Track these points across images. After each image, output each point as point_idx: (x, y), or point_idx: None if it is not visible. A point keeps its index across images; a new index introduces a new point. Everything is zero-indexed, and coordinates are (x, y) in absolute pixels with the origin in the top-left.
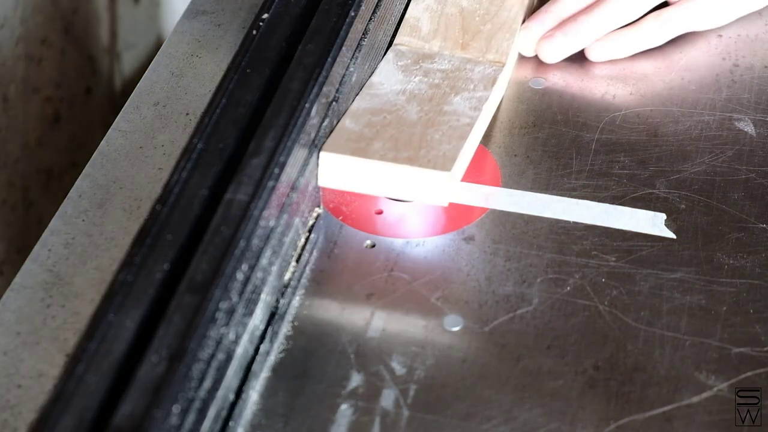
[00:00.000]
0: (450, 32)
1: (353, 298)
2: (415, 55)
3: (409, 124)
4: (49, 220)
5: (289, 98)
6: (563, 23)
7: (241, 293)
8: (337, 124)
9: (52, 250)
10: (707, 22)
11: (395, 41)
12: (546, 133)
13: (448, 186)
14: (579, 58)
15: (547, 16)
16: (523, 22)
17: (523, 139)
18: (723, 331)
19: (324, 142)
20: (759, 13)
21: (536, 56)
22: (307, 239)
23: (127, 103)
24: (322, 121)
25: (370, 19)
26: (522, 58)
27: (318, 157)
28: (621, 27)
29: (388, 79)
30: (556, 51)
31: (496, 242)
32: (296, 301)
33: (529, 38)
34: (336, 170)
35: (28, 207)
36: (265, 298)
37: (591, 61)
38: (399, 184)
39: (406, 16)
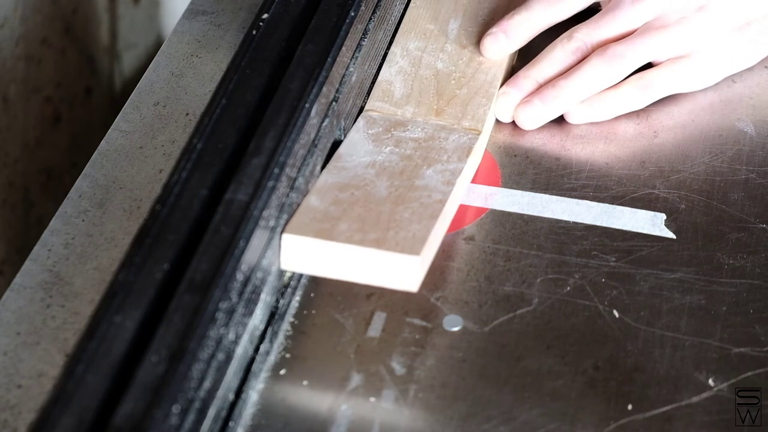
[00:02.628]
0: (424, 97)
1: (353, 298)
2: (386, 122)
3: (378, 201)
4: (49, 220)
5: (289, 98)
6: (542, 89)
7: (241, 293)
8: (302, 202)
9: (52, 250)
10: (691, 85)
11: (366, 107)
12: (546, 133)
13: (418, 271)
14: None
15: (525, 81)
16: (501, 84)
17: (523, 139)
18: (723, 331)
19: (287, 223)
20: None
21: (513, 122)
22: None
23: (127, 103)
24: (322, 121)
25: (370, 19)
26: (498, 122)
27: (280, 239)
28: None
29: (357, 150)
30: (534, 118)
31: (495, 242)
32: (296, 301)
33: (506, 104)
34: (299, 253)
35: (28, 207)
36: (265, 298)
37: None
38: (366, 267)
39: (378, 79)
